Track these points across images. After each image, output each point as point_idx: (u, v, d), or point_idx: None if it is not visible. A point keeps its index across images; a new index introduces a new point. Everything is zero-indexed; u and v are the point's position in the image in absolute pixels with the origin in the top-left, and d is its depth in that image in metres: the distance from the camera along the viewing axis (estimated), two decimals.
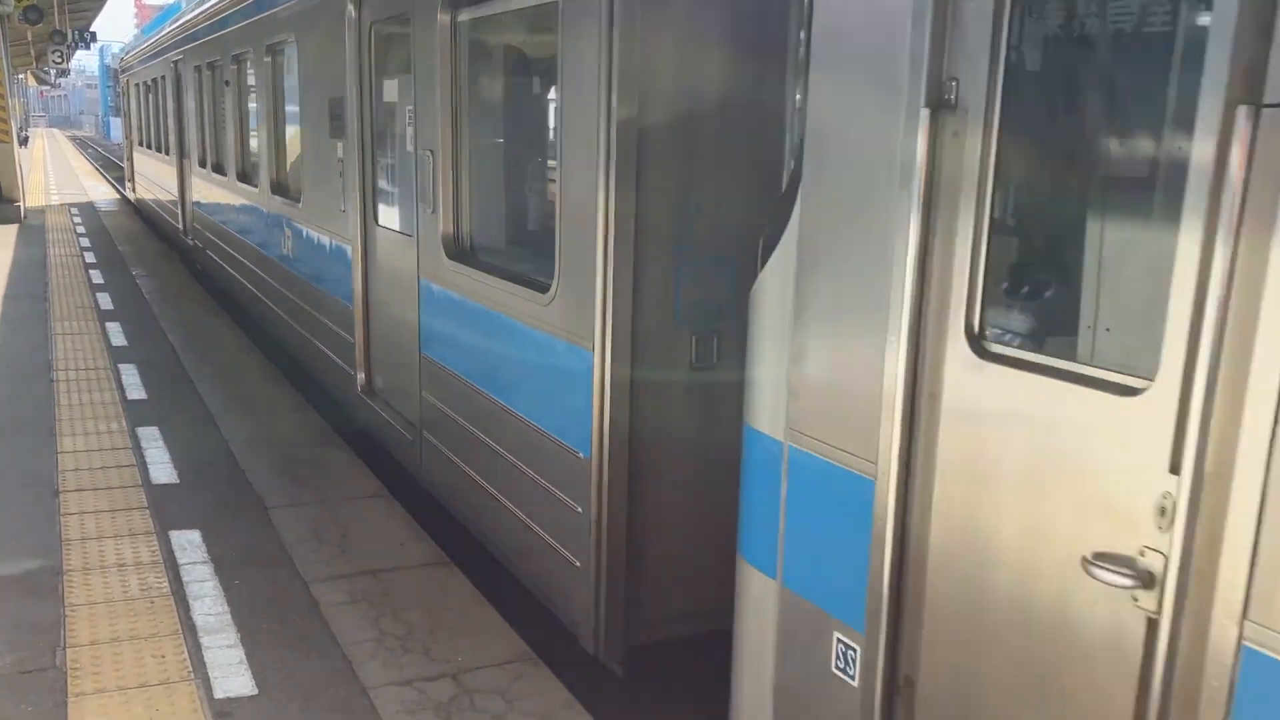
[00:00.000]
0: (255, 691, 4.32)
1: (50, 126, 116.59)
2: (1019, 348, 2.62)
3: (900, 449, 2.77)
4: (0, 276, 14.65)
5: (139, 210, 23.49)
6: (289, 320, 9.73)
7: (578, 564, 4.60)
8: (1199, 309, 2.13)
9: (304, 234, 8.91)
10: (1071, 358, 2.54)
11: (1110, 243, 2.70)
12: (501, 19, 5.58)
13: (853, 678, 3.01)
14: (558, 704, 4.30)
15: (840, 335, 3.01)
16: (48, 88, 74.04)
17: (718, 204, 4.23)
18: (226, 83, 11.79)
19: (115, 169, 38.16)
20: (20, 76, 44.12)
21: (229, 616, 4.93)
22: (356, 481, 6.82)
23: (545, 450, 4.84)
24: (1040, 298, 2.88)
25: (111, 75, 41.19)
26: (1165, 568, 2.19)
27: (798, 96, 4.06)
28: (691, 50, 4.15)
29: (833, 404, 3.04)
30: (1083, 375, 2.42)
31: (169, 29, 16.27)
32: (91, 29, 29.77)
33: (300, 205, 8.88)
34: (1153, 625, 2.24)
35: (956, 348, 2.66)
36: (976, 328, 2.64)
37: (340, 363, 7.92)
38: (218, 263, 13.56)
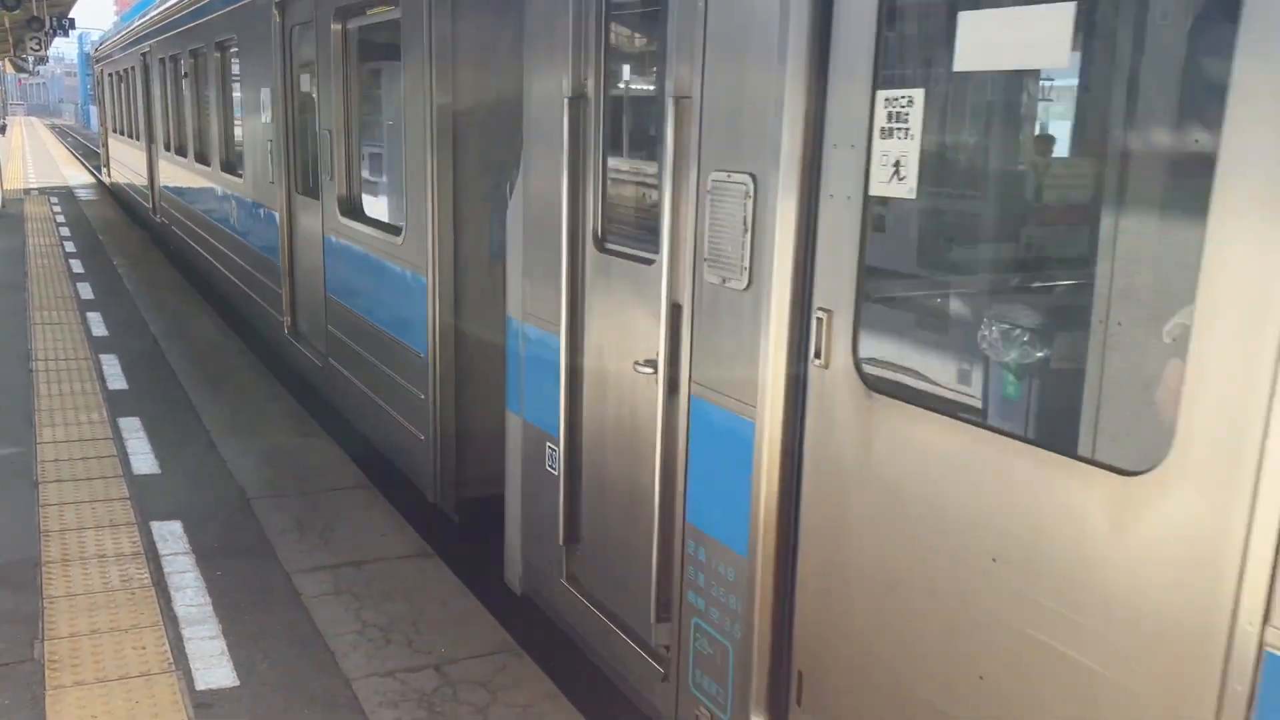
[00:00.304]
0: (237, 683, 4.29)
1: (29, 115, 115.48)
2: (625, 247, 4.04)
3: (568, 313, 4.22)
4: None
5: (116, 195, 24.17)
6: (237, 281, 11.18)
7: (421, 438, 6.09)
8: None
9: (245, 204, 10.45)
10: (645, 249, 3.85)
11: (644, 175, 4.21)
12: (371, 28, 6.94)
13: (556, 471, 4.42)
14: (541, 695, 4.29)
15: (542, 246, 4.42)
16: (26, 76, 73.32)
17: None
18: (185, 75, 13.40)
19: (95, 157, 37.91)
20: None
21: (210, 608, 4.90)
22: (339, 472, 6.79)
23: (400, 354, 6.39)
24: (636, 222, 4.23)
25: (90, 63, 41.02)
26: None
27: None
28: (487, 54, 5.70)
29: (540, 291, 4.49)
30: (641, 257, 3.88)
31: (138, 23, 17.82)
32: (70, 16, 29.44)
33: (242, 180, 10.41)
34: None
35: (590, 248, 4.16)
36: (600, 234, 4.13)
37: (273, 311, 9.33)
38: (181, 237, 14.82)
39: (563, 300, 4.21)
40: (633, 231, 4.13)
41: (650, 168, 4.05)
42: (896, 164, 2.72)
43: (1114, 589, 2.26)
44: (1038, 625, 2.42)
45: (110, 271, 14.48)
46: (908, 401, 2.78)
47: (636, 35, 4.41)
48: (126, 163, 21.32)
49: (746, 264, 3.20)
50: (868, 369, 2.86)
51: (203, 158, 12.55)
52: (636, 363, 3.80)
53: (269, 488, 6.46)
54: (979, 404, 2.83)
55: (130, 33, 19.00)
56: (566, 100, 4.08)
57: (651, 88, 4.21)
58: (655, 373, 3.68)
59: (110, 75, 23.93)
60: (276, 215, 8.79)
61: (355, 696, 4.22)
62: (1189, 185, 2.21)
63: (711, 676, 3.53)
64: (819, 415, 3.01)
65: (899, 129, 2.70)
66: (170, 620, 4.78)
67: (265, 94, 8.86)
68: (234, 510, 6.09)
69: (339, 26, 7.07)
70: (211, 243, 12.45)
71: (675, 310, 3.57)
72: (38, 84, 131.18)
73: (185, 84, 13.43)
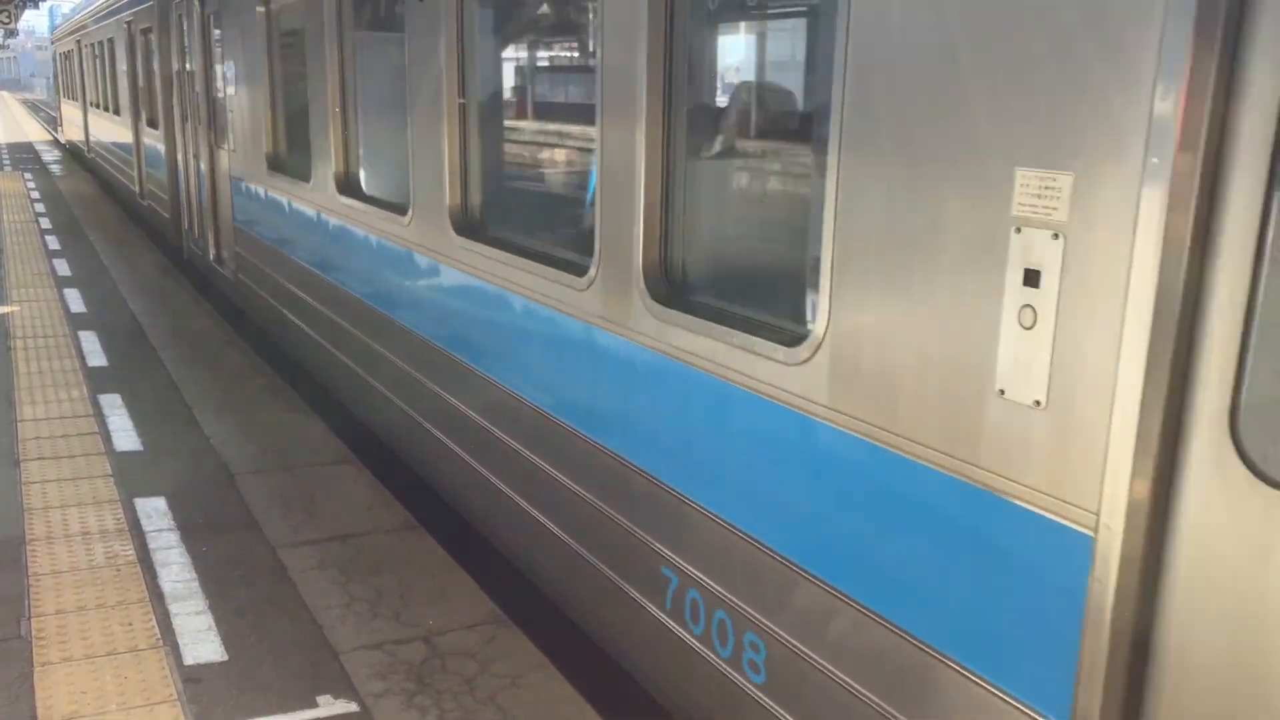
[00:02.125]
0: (225, 658, 4.30)
1: (0, 89, 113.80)
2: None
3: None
4: None
5: (71, 152, 29.46)
6: (161, 210, 14.28)
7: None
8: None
9: (149, 146, 15.06)
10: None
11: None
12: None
13: None
14: (530, 665, 4.31)
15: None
16: None
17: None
18: (98, 57, 20.40)
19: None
20: None
21: (197, 583, 4.90)
22: (323, 447, 6.77)
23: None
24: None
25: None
26: None
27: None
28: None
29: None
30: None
31: (78, 17, 24.90)
32: None
33: (156, 131, 13.93)
34: None
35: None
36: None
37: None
38: (108, 171, 20.53)
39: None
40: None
41: None
42: None
43: None
44: None
45: (87, 248, 14.34)
46: None
47: None
48: (72, 121, 28.06)
49: None
50: None
51: (116, 110, 18.39)
52: None
53: (253, 463, 6.44)
54: None
55: (71, 24, 27.22)
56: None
57: None
58: None
59: (60, 55, 31.67)
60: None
61: (344, 669, 4.24)
62: None
63: None
64: None
65: None
66: (157, 596, 4.77)
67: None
68: (218, 486, 6.08)
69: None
70: (122, 163, 18.22)
71: None
72: (8, 58, 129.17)
73: (109, 64, 18.76)
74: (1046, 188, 2.24)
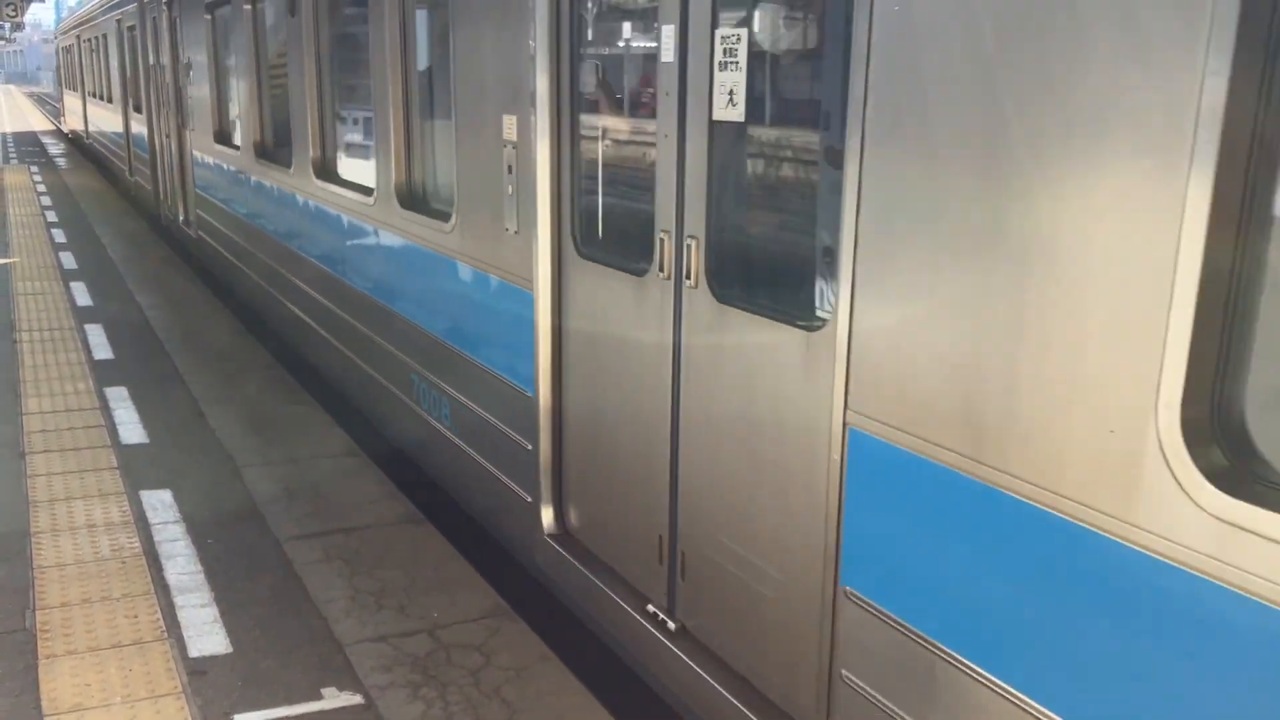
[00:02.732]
0: (230, 650, 4.30)
1: (7, 83, 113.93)
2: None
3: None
4: None
5: (74, 142, 30.91)
6: (145, 184, 16.54)
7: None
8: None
9: (135, 130, 17.22)
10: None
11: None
12: (223, 13, 10.07)
13: None
14: (534, 657, 4.31)
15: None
16: (2, 43, 72.29)
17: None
18: (94, 51, 23.06)
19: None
20: None
21: (202, 576, 4.91)
22: (327, 440, 6.78)
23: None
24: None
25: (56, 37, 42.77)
26: None
27: None
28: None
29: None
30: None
31: (79, 13, 28.20)
32: None
33: (139, 115, 16.16)
34: None
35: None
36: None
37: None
38: (103, 153, 23.50)
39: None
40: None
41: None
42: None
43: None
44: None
45: (94, 241, 14.36)
46: None
47: None
48: (73, 110, 31.37)
49: None
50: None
51: (109, 99, 20.99)
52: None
53: (258, 456, 6.44)
54: None
55: (68, 22, 31.72)
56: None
57: None
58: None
59: (62, 49, 35.47)
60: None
61: (349, 661, 4.24)
62: None
63: None
64: None
65: None
66: (162, 589, 4.78)
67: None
68: (223, 478, 6.09)
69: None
70: (115, 146, 20.68)
71: None
72: (15, 51, 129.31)
73: (101, 58, 21.70)
74: None
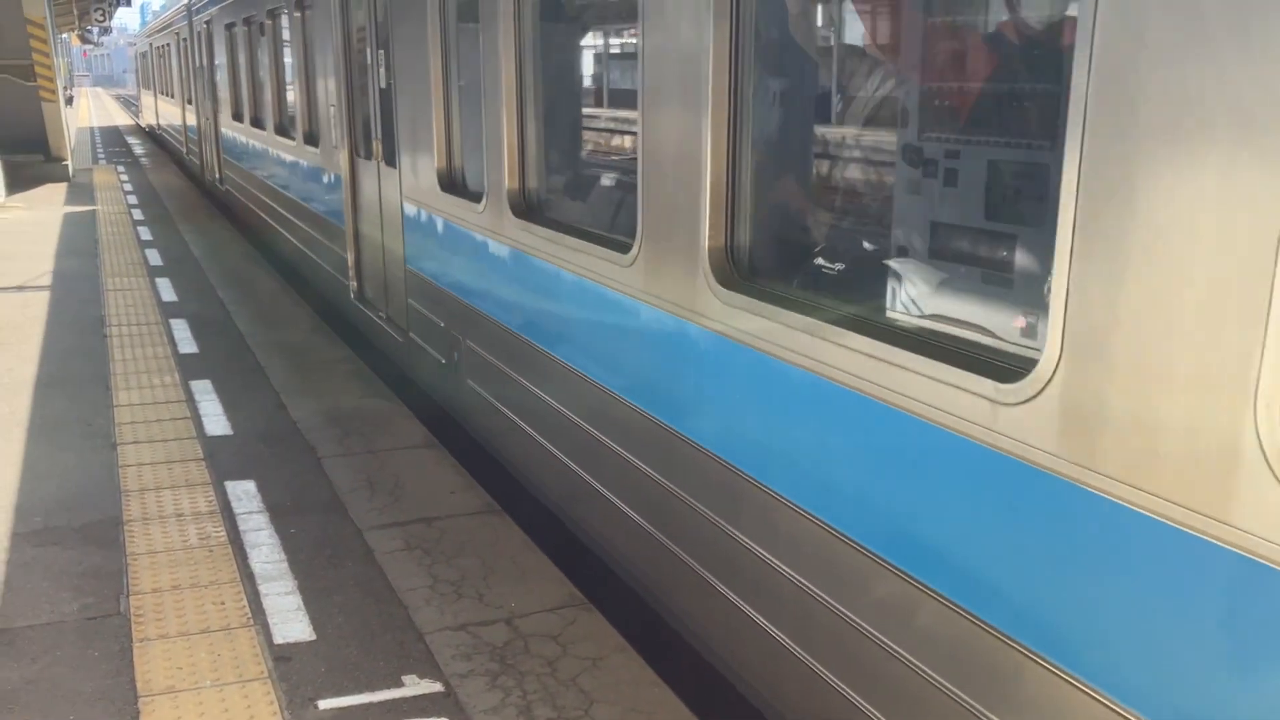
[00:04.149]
0: (313, 637, 4.40)
1: (95, 85, 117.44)
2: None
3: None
4: (52, 234, 14.86)
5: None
6: (194, 159, 21.93)
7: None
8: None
9: (189, 118, 22.44)
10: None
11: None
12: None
13: None
14: (611, 648, 4.33)
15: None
16: (91, 47, 74.46)
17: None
18: (161, 58, 29.14)
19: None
20: (64, 37, 44.39)
21: (286, 564, 5.02)
22: (406, 432, 6.88)
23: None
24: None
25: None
26: None
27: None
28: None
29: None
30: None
31: (150, 25, 37.03)
32: None
33: (191, 106, 21.48)
34: None
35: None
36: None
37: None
38: (169, 139, 29.32)
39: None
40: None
41: None
42: None
43: None
44: None
45: (177, 238, 14.74)
46: None
47: None
48: (149, 107, 38.63)
49: None
50: None
51: (173, 96, 26.41)
52: None
53: (338, 447, 6.57)
54: None
55: (146, 30, 39.64)
56: None
57: None
58: None
59: (138, 55, 44.86)
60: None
61: (429, 649, 4.30)
62: None
63: None
64: None
65: None
66: (247, 576, 4.90)
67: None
68: (305, 469, 6.21)
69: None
70: (176, 133, 26.40)
71: None
72: (102, 55, 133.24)
73: (164, 61, 28.26)
74: None
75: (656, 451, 4.22)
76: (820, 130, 4.20)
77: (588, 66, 6.54)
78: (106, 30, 45.85)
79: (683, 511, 4.08)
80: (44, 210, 17.43)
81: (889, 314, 3.30)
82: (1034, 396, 2.47)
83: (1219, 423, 2.06)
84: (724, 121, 3.64)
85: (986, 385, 2.60)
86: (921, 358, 2.82)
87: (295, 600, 4.69)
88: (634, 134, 4.20)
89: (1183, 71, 2.12)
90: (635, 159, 4.18)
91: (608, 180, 5.81)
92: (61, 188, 20.49)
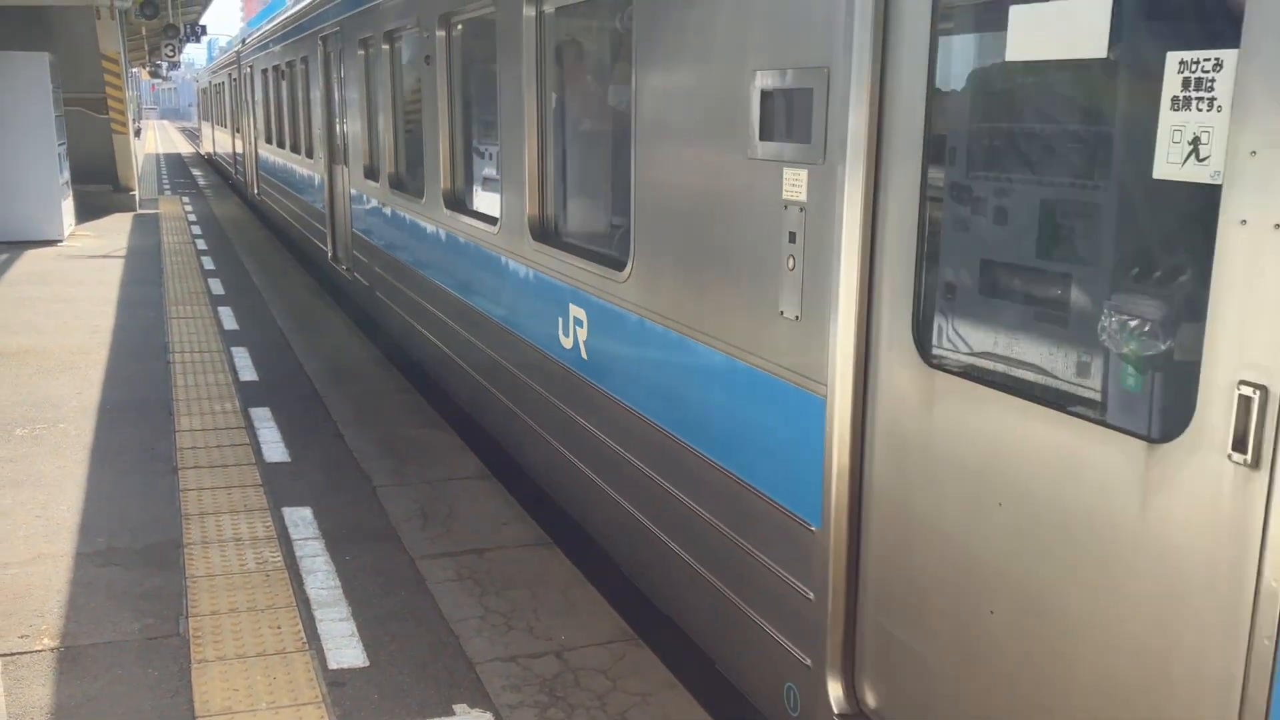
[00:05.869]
0: (367, 663, 4.45)
1: (162, 118, 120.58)
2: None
3: None
4: (118, 263, 15.26)
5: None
6: (240, 176, 26.85)
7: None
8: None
9: (237, 145, 27.21)
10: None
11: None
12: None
13: None
14: (660, 683, 4.34)
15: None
16: (159, 81, 76.58)
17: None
18: (217, 93, 34.34)
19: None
20: (134, 71, 45.75)
21: (340, 590, 5.09)
22: (460, 463, 6.96)
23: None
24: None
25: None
26: None
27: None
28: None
29: None
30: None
31: (208, 66, 45.84)
32: (201, 23, 30.68)
33: (239, 134, 25.73)
34: None
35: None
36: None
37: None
38: (221, 161, 35.17)
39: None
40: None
41: None
42: None
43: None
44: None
45: (239, 268, 15.06)
46: None
47: None
48: (208, 136, 43.61)
49: None
50: None
51: (225, 125, 31.30)
52: None
53: (393, 476, 6.66)
54: None
55: (204, 71, 47.91)
56: None
57: None
58: None
59: (201, 91, 50.20)
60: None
61: (479, 679, 4.34)
62: None
63: None
64: None
65: None
66: (303, 602, 4.97)
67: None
68: (361, 498, 6.30)
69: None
70: (227, 154, 31.30)
71: None
72: (169, 89, 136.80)
73: (220, 96, 32.80)
74: None
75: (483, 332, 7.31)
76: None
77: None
78: (175, 65, 47.18)
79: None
80: (111, 239, 17.91)
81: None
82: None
83: None
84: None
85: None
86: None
87: (349, 626, 4.75)
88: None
89: None
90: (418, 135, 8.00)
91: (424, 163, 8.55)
92: (128, 217, 21.04)
